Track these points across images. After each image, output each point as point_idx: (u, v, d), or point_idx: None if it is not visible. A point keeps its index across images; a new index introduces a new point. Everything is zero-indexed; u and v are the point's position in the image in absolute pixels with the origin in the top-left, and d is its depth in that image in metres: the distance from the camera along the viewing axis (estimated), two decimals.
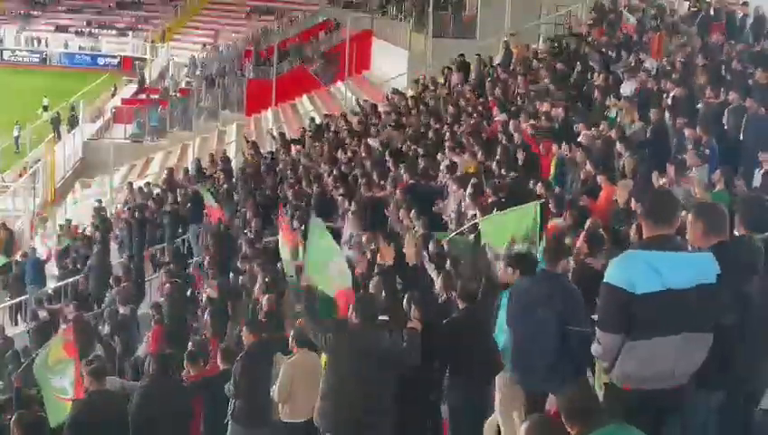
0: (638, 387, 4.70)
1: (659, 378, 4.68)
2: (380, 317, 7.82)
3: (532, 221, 9.38)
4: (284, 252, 12.10)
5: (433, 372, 7.80)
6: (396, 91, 24.29)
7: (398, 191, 13.37)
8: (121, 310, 14.45)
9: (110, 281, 16.85)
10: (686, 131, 12.30)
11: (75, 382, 9.59)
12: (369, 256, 10.88)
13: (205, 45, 58.62)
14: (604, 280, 4.72)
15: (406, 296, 8.14)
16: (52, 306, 17.52)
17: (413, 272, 9.70)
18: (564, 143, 13.23)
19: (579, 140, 13.58)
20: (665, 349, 4.63)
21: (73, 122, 39.21)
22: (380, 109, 22.83)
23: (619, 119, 14.31)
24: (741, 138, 12.09)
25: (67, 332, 10.69)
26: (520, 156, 13.52)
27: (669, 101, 14.05)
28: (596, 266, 7.79)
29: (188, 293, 15.86)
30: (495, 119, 16.32)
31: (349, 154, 18.49)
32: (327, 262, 8.78)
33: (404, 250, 10.52)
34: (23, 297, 20.67)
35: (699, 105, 13.45)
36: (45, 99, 44.03)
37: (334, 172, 16.47)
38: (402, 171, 14.31)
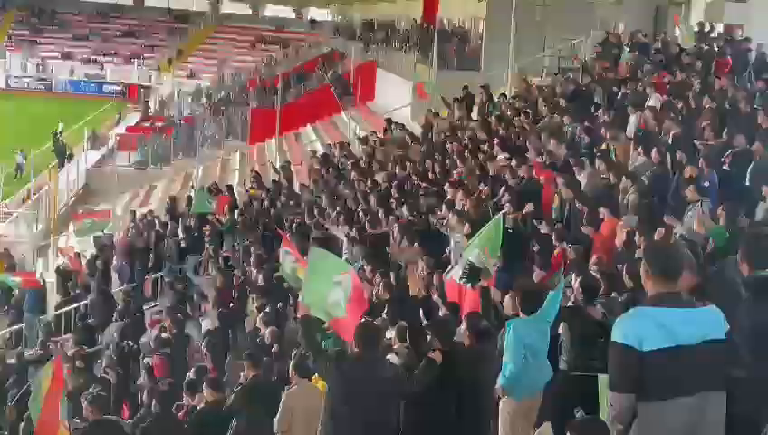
0: None
1: None
2: (402, 347, 7.84)
3: (496, 233, 9.70)
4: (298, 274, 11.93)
5: (446, 405, 7.76)
6: (401, 127, 24.26)
7: (396, 228, 13.40)
8: (122, 344, 14.39)
9: (114, 314, 16.79)
10: (687, 169, 12.27)
11: (40, 416, 9.57)
12: (376, 287, 10.92)
13: (210, 74, 58.94)
14: (612, 339, 4.62)
15: (426, 326, 8.15)
16: (55, 338, 17.44)
17: (426, 303, 9.75)
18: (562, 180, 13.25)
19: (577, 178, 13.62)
20: (680, 410, 4.50)
21: (62, 151, 39.31)
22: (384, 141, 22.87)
23: (613, 156, 14.29)
24: (747, 182, 12.00)
25: (56, 363, 10.63)
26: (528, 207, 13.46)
27: (669, 140, 14.02)
28: (594, 315, 7.75)
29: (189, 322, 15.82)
30: (498, 157, 16.29)
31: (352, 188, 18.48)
32: (326, 291, 8.75)
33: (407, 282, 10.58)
34: (20, 325, 20.60)
35: (699, 146, 13.37)
36: (61, 124, 44.07)
37: (337, 205, 16.47)
38: (404, 208, 14.34)
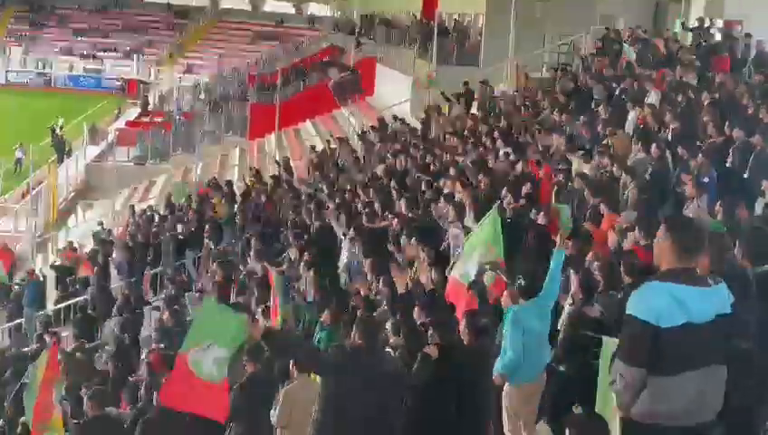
0: (663, 423, 4.58)
1: (685, 415, 4.58)
2: (396, 343, 7.85)
3: (495, 228, 9.71)
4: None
5: (445, 400, 7.77)
6: (401, 121, 24.29)
7: (395, 223, 13.40)
8: (122, 337, 14.42)
9: (114, 308, 16.81)
10: (692, 163, 12.26)
11: (34, 407, 9.59)
12: (372, 284, 10.93)
13: (209, 70, 58.89)
14: (627, 312, 4.60)
15: (428, 321, 8.15)
16: (54, 330, 17.44)
17: (430, 298, 9.75)
18: (562, 174, 13.26)
19: (576, 169, 13.62)
20: (689, 384, 4.54)
21: (61, 146, 39.33)
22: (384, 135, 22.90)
23: (612, 151, 14.30)
24: (746, 175, 11.99)
25: (51, 350, 10.68)
26: (525, 188, 13.46)
27: (669, 136, 14.03)
28: (591, 314, 7.76)
29: (188, 318, 15.81)
30: (500, 151, 16.30)
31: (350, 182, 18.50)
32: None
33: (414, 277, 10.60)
34: (20, 320, 20.62)
35: (701, 142, 13.36)
36: (60, 119, 44.09)
37: (336, 200, 16.47)
38: (403, 202, 14.33)
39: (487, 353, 7.72)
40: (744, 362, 4.86)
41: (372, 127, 24.85)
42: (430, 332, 7.94)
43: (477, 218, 11.94)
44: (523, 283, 7.93)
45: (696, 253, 4.64)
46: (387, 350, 7.79)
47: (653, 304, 4.51)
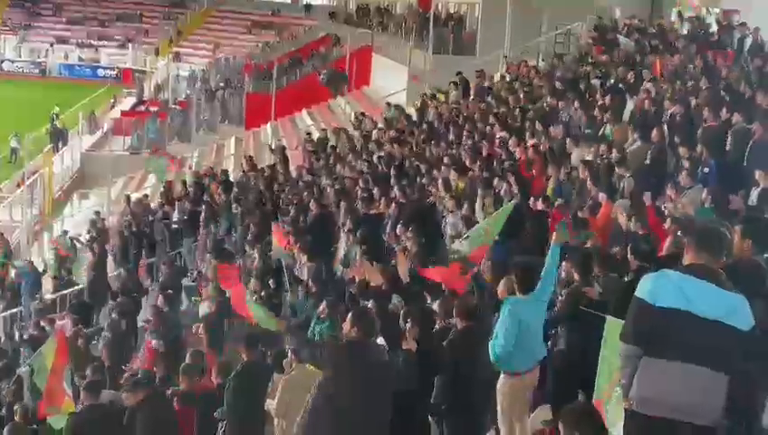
0: (657, 415, 4.65)
1: (676, 407, 4.62)
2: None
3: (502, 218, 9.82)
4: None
5: (426, 392, 7.77)
6: (396, 107, 24.27)
7: (390, 209, 13.39)
8: (119, 322, 14.41)
9: (109, 295, 16.81)
10: (682, 150, 12.27)
11: (46, 387, 9.67)
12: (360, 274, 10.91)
13: (205, 59, 58.76)
14: (634, 294, 4.81)
15: (402, 313, 8.11)
16: (51, 317, 17.43)
17: (408, 290, 9.70)
18: (562, 167, 13.26)
19: (577, 158, 13.61)
20: (681, 375, 4.60)
21: (58, 135, 39.24)
22: (380, 124, 22.90)
23: (612, 139, 14.30)
24: (745, 163, 11.97)
25: (59, 336, 10.72)
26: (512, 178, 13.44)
27: (668, 119, 14.03)
28: (590, 295, 7.75)
29: (184, 306, 15.84)
30: (497, 136, 16.30)
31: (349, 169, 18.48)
32: None
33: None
34: (18, 308, 20.59)
35: (699, 128, 13.36)
36: (57, 107, 43.99)
37: (336, 187, 16.47)
38: (398, 189, 14.32)
39: (482, 337, 7.63)
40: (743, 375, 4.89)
41: (363, 114, 24.86)
42: (408, 325, 7.91)
43: (473, 206, 11.94)
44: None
45: (716, 253, 4.82)
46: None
47: (653, 285, 4.72)
